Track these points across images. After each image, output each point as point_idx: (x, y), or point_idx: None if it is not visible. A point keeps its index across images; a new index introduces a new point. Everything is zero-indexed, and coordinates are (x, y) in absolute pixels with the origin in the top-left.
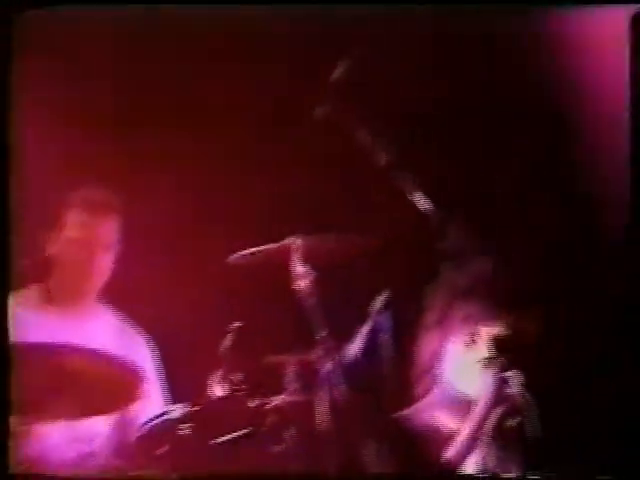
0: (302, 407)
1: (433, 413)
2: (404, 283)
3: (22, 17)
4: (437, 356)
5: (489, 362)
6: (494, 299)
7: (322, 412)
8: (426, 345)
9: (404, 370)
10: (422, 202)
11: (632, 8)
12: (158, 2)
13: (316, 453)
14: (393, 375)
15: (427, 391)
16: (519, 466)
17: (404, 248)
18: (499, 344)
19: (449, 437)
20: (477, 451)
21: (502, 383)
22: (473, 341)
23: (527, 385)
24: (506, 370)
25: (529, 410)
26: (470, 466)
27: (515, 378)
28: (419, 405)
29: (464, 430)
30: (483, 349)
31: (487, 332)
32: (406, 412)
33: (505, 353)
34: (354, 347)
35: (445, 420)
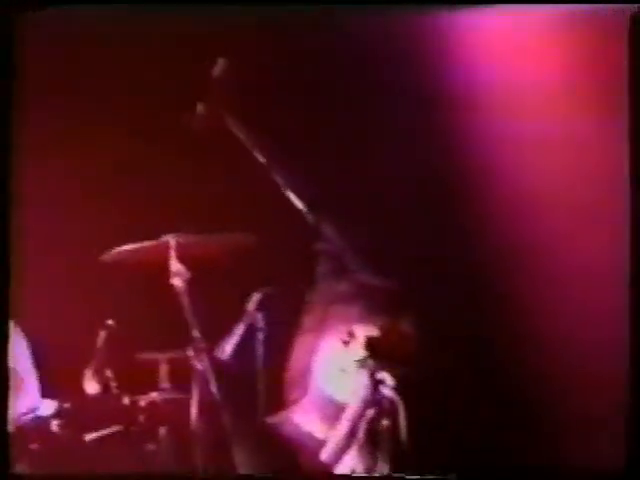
0: (175, 405)
1: (306, 416)
2: (281, 283)
3: (23, 17)
4: (312, 359)
5: (363, 364)
6: (371, 302)
7: (195, 411)
8: (301, 347)
9: (278, 372)
10: (298, 202)
11: (632, 8)
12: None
13: (188, 453)
14: (267, 377)
15: (301, 394)
16: (389, 467)
17: (282, 248)
18: (373, 346)
19: (321, 441)
20: (350, 453)
21: (375, 385)
22: (347, 343)
23: (399, 387)
24: (379, 372)
25: (400, 412)
26: (343, 467)
27: (388, 380)
28: (292, 408)
29: (337, 432)
30: (357, 351)
31: (362, 334)
32: (279, 415)
33: (379, 355)
34: (228, 346)
35: (318, 424)
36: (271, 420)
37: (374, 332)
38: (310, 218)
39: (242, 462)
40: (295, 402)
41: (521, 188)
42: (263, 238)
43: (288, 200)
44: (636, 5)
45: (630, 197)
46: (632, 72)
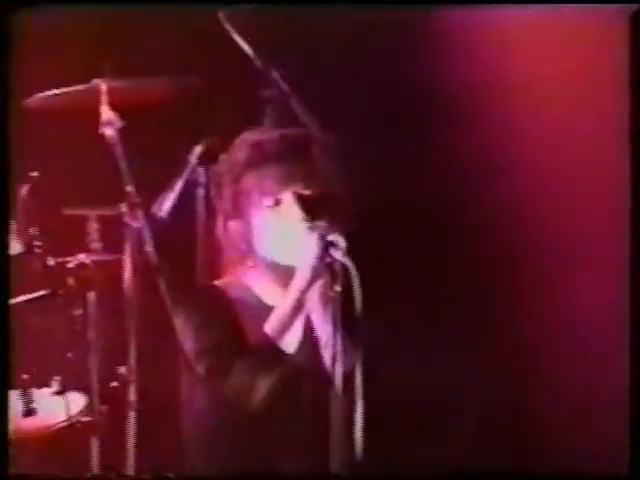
0: (105, 268)
1: (251, 282)
2: (225, 134)
3: (18, 16)
4: (247, 241)
5: (308, 226)
6: (305, 157)
7: (127, 274)
8: (241, 205)
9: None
10: (245, 45)
11: (632, 8)
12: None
13: (120, 318)
14: (208, 237)
15: (244, 258)
16: (341, 338)
17: (227, 94)
18: (311, 205)
19: (268, 309)
20: (299, 325)
21: (324, 249)
22: (277, 203)
23: (348, 250)
24: (327, 234)
25: (351, 277)
26: (288, 341)
27: (337, 243)
28: (236, 273)
29: (284, 302)
30: (294, 214)
31: (292, 195)
32: (222, 280)
33: (321, 215)
34: (166, 202)
35: (268, 289)
36: (215, 283)
37: (305, 191)
38: (259, 63)
39: (180, 326)
40: (238, 265)
41: (521, 188)
42: (207, 83)
43: (234, 41)
44: (636, 5)
45: (630, 197)
46: (632, 72)
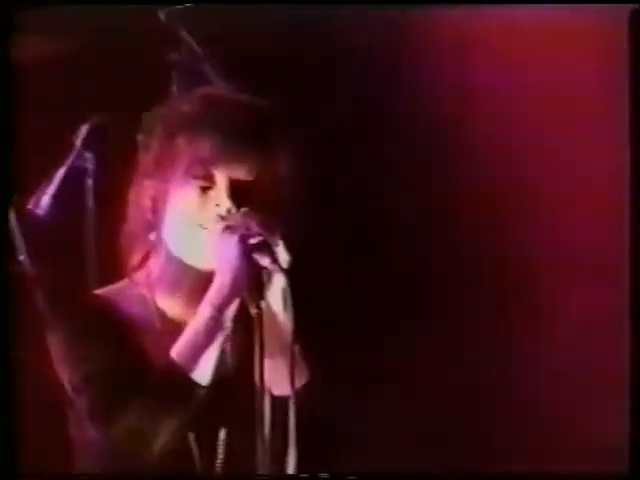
0: None
1: (151, 289)
2: (120, 106)
3: (22, 16)
4: (157, 212)
5: (229, 222)
6: (233, 130)
7: None
8: (140, 197)
9: (113, 231)
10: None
11: (631, 8)
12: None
13: None
14: (96, 238)
15: (144, 260)
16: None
17: (120, 58)
18: (242, 193)
19: (174, 322)
20: (214, 350)
21: (249, 252)
22: (206, 189)
23: (284, 254)
24: (255, 233)
25: (283, 290)
26: (202, 370)
27: (266, 244)
28: (133, 278)
29: (197, 317)
30: (220, 200)
31: (224, 177)
32: (115, 285)
33: (251, 205)
34: (45, 197)
35: (168, 302)
36: (102, 291)
37: (239, 174)
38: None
39: (56, 350)
40: (137, 268)
41: (519, 188)
42: (95, 43)
43: None
44: (636, 5)
45: (630, 197)
46: (632, 72)
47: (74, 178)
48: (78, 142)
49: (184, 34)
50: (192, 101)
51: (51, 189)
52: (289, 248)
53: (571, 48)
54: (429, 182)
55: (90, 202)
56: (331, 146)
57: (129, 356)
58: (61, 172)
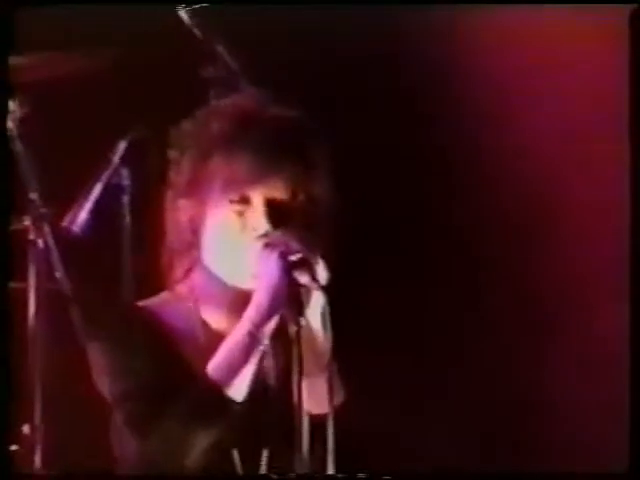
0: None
1: (195, 302)
2: (159, 122)
3: (22, 15)
4: (195, 231)
5: (268, 239)
6: (267, 147)
7: (36, 304)
8: (179, 216)
9: (150, 247)
10: (188, 18)
11: (631, 8)
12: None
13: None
14: (137, 253)
15: (187, 274)
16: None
17: (159, 73)
18: (278, 214)
19: (217, 334)
20: (251, 367)
21: (288, 269)
22: (242, 212)
23: (323, 272)
24: (294, 251)
25: (322, 308)
26: (238, 386)
27: (306, 262)
28: (176, 291)
29: (233, 335)
30: (257, 221)
31: (261, 198)
32: (155, 299)
33: (289, 225)
34: (81, 213)
35: (212, 315)
36: (144, 303)
37: (275, 194)
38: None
39: (97, 362)
40: (180, 282)
41: (519, 187)
42: (131, 59)
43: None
44: (636, 5)
45: (631, 197)
46: (632, 72)
47: (111, 194)
48: (115, 158)
49: (219, 48)
50: (223, 115)
51: (87, 205)
52: (329, 266)
53: (571, 48)
54: (466, 198)
55: (127, 219)
56: (367, 162)
57: (170, 368)
58: (98, 188)
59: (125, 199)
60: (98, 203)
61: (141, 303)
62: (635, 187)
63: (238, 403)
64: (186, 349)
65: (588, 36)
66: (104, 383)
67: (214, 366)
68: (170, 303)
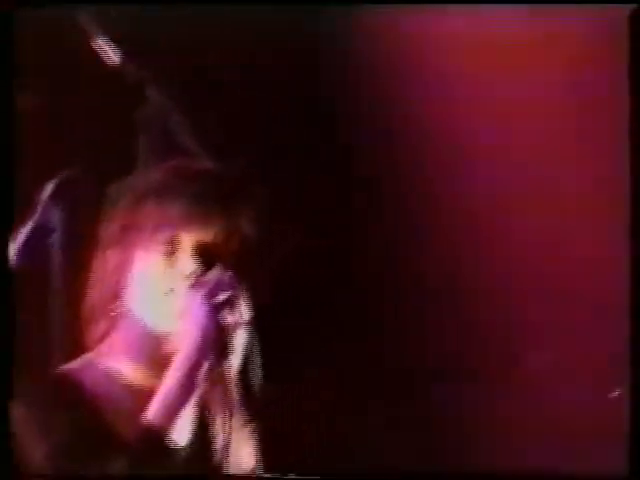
0: None
1: (120, 359)
2: (90, 162)
3: (22, 15)
4: (119, 280)
5: (195, 280)
6: (199, 195)
7: None
8: (104, 267)
9: (77, 297)
10: (111, 55)
11: (631, 8)
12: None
13: None
14: (60, 305)
15: (110, 329)
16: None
17: (93, 114)
18: (207, 255)
19: (146, 391)
20: (188, 411)
21: (217, 311)
22: (171, 253)
23: (249, 311)
24: (221, 291)
25: (252, 348)
26: (180, 432)
27: (234, 303)
28: (99, 349)
29: (168, 381)
30: (185, 263)
31: (190, 239)
32: (79, 360)
33: (217, 265)
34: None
35: (134, 371)
36: (65, 367)
37: (204, 235)
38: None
39: (22, 428)
40: (102, 339)
41: (519, 187)
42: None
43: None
44: (636, 5)
45: (630, 197)
46: (632, 72)
47: (37, 235)
48: (44, 196)
49: (151, 88)
50: (159, 170)
51: (15, 245)
52: (253, 304)
53: (571, 48)
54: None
55: (58, 260)
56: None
57: (96, 424)
58: (24, 230)
59: (56, 241)
60: (25, 245)
61: (62, 368)
62: (635, 187)
63: (182, 447)
64: (113, 406)
65: (588, 36)
66: (30, 445)
67: (153, 414)
68: (91, 366)
